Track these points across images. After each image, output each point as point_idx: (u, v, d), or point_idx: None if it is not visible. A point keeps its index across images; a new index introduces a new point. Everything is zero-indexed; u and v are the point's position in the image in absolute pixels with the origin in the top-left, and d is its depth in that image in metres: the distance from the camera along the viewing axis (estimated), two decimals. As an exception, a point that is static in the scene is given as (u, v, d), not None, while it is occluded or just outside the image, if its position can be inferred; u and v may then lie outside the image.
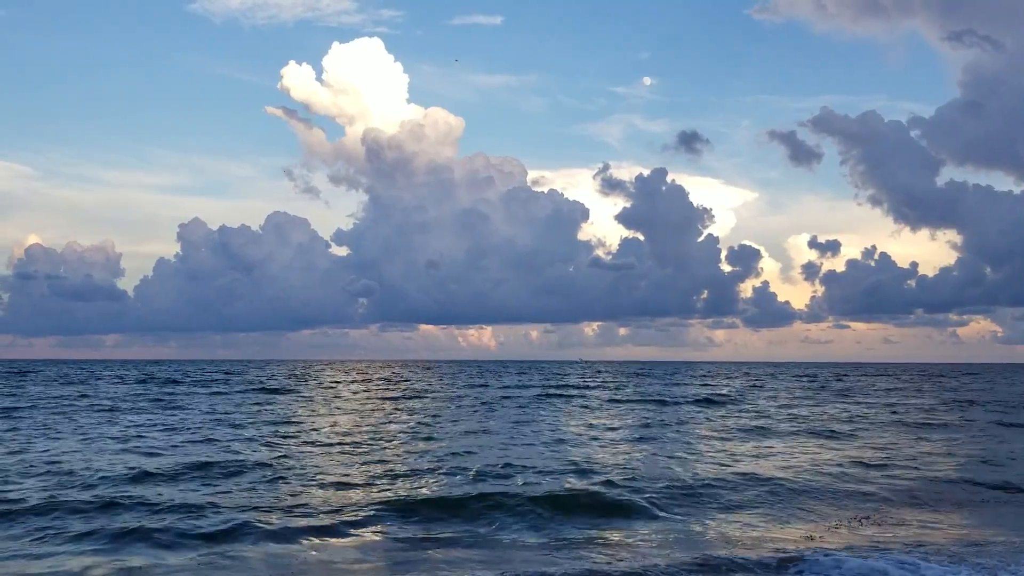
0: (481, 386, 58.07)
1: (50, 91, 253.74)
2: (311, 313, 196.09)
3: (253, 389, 50.40)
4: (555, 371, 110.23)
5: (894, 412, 35.36)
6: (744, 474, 17.03)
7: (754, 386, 62.52)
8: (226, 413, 31.38)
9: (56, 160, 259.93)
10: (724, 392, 51.39)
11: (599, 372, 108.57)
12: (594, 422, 29.21)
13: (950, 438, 25.21)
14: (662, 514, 13.59)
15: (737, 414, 33.39)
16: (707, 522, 13.15)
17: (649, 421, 29.77)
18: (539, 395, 46.28)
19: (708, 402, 41.03)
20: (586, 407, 36.86)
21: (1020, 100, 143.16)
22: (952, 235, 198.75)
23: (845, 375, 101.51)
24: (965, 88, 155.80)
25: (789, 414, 33.54)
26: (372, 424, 27.35)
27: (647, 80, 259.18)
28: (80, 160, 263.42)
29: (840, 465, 18.71)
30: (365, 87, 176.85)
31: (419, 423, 27.96)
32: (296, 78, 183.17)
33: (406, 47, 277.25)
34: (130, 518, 12.43)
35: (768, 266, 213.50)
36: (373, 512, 13.13)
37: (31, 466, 17.01)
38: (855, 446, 22.71)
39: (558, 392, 49.89)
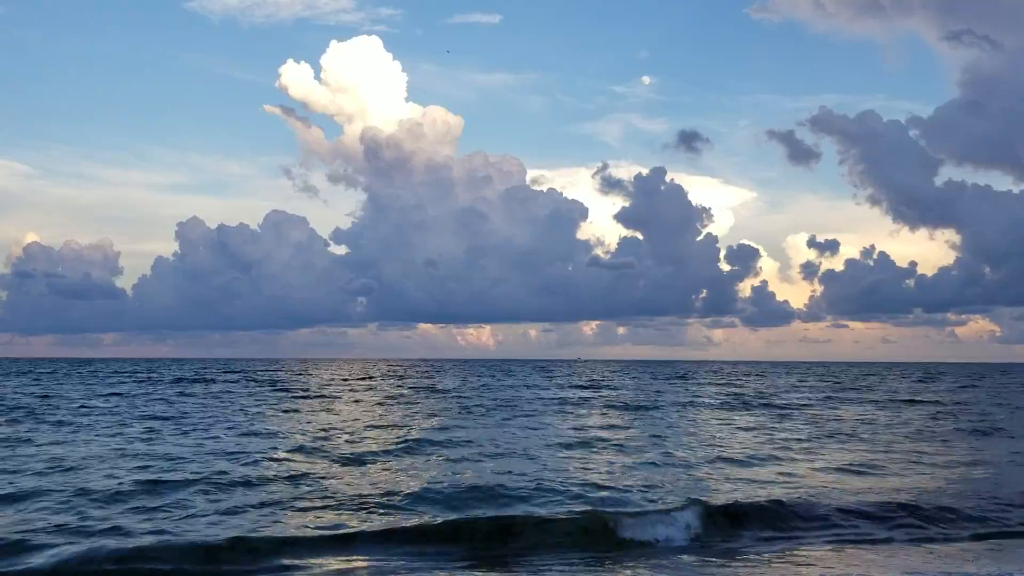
0: (491, 387, 56.61)
1: (48, 89, 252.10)
2: (310, 312, 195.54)
3: (263, 389, 49.00)
4: (560, 370, 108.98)
5: (949, 416, 33.43)
6: (807, 493, 15.35)
7: (771, 386, 61.29)
8: (236, 415, 30.09)
9: (55, 158, 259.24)
10: (746, 393, 50.03)
11: (610, 372, 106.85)
12: (621, 427, 27.84)
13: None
14: (712, 540, 12.29)
15: (773, 418, 31.93)
16: (782, 554, 11.77)
17: (685, 427, 28.21)
18: (554, 397, 44.96)
19: (735, 405, 39.61)
20: (606, 411, 35.47)
21: (1019, 100, 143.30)
22: (951, 235, 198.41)
23: (865, 374, 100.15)
24: (964, 88, 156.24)
25: (832, 418, 31.39)
26: (388, 429, 25.96)
27: (646, 79, 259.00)
28: (79, 159, 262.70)
29: (928, 480, 17.05)
30: (363, 86, 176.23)
31: (440, 426, 26.69)
32: (294, 76, 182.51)
33: (405, 46, 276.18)
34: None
35: (767, 265, 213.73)
36: (380, 537, 11.81)
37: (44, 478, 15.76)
38: (931, 458, 20.54)
39: (573, 394, 48.58)
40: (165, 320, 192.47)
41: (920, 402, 42.74)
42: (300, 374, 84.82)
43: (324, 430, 24.72)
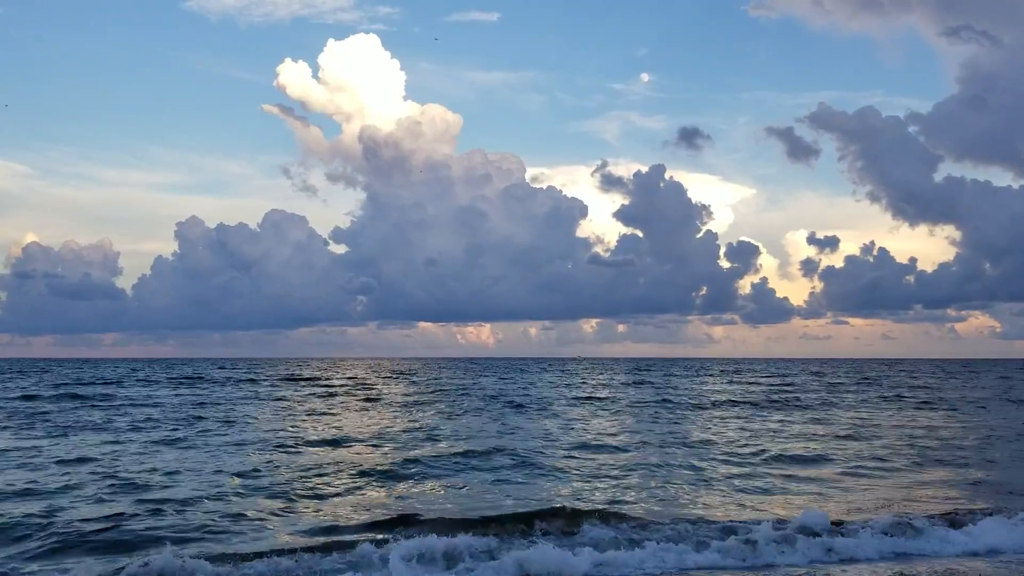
0: (519, 385, 54.85)
1: (47, 90, 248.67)
2: (309, 311, 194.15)
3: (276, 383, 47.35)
4: (569, 368, 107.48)
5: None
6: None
7: (792, 384, 59.94)
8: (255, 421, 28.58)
9: (53, 159, 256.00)
10: (784, 391, 48.59)
11: (630, 369, 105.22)
12: (721, 431, 26.25)
13: None
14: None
15: (833, 423, 30.38)
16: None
17: (782, 431, 26.64)
18: (583, 396, 43.51)
19: (786, 404, 38.22)
20: (671, 411, 34.02)
21: (1018, 95, 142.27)
22: (951, 231, 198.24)
23: (890, 372, 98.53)
24: (963, 83, 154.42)
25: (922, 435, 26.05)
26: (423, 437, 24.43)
27: (645, 77, 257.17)
28: (77, 159, 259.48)
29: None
30: (362, 84, 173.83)
31: (490, 425, 25.23)
32: (292, 76, 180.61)
33: (403, 44, 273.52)
34: None
35: (766, 262, 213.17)
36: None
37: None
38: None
39: (601, 394, 47.09)
40: (165, 320, 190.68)
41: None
42: (349, 376, 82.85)
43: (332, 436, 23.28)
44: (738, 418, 30.45)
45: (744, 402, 39.15)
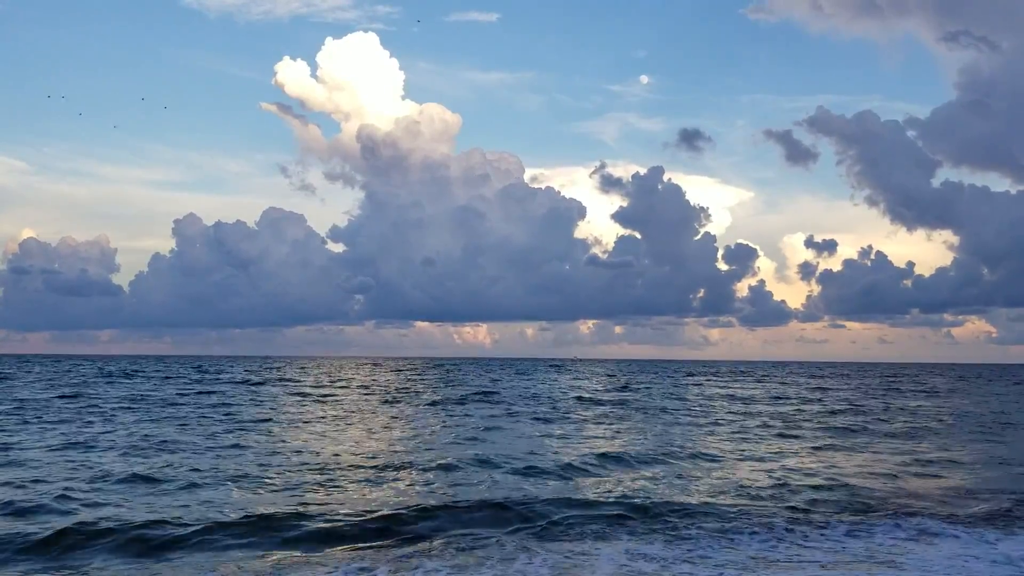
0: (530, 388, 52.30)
1: (45, 86, 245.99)
2: (307, 309, 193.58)
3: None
4: (578, 370, 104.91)
5: None
6: None
7: (820, 389, 58.09)
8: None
9: (51, 155, 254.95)
10: (838, 398, 46.40)
11: (636, 372, 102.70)
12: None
13: None
14: None
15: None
16: None
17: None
18: (608, 400, 41.23)
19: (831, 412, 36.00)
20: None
21: (1016, 101, 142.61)
22: (948, 235, 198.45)
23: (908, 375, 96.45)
24: (961, 89, 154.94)
25: None
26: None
27: (643, 79, 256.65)
28: (75, 155, 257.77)
29: None
30: (360, 83, 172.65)
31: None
32: (290, 74, 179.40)
33: (402, 43, 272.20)
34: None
35: (764, 265, 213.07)
36: None
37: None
38: None
39: (626, 397, 44.91)
40: (162, 317, 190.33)
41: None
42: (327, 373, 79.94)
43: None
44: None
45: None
